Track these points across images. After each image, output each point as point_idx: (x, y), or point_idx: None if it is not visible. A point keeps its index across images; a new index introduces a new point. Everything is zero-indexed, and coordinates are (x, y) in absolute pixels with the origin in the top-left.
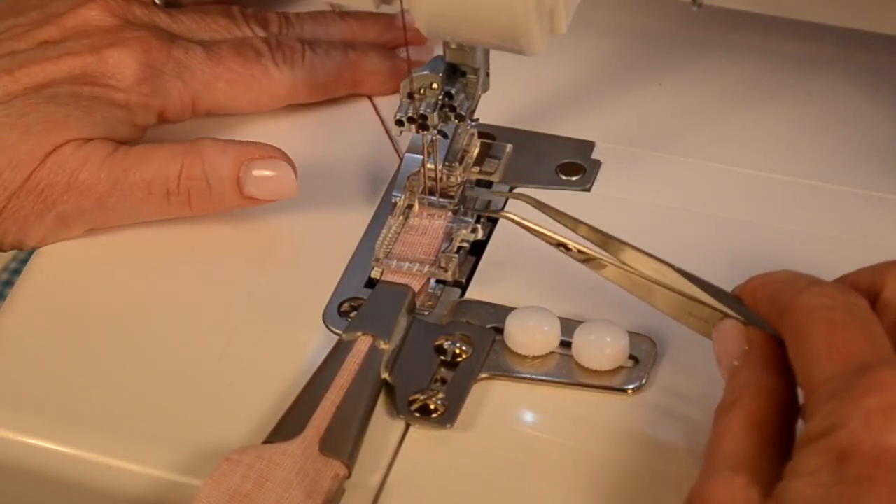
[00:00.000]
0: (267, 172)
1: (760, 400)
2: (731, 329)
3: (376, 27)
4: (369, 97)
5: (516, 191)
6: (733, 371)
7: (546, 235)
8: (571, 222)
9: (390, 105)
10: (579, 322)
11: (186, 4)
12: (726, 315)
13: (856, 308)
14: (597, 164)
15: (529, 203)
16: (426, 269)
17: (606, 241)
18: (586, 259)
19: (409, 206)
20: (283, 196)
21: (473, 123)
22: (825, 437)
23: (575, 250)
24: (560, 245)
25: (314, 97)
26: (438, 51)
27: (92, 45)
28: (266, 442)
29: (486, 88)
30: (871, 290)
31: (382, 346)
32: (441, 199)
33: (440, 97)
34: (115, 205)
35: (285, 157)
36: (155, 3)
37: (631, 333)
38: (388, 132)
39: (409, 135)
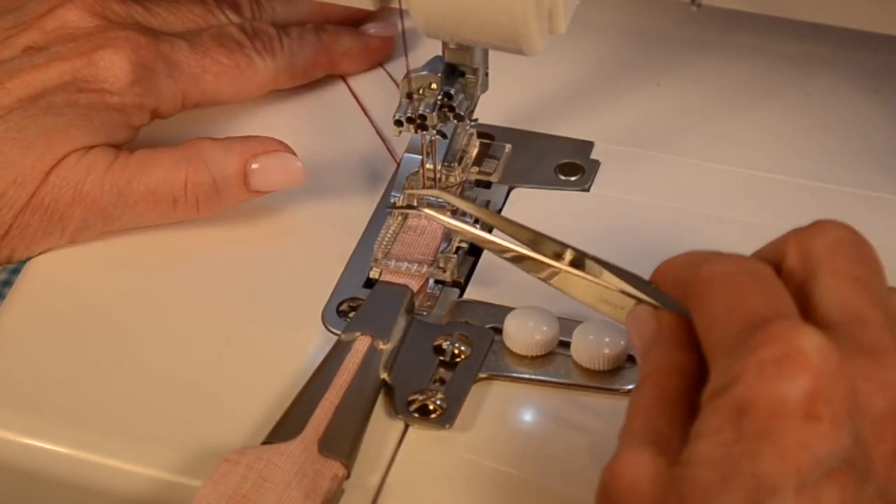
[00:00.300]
0: (272, 166)
1: (669, 376)
2: (642, 313)
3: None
4: (344, 79)
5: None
6: (644, 353)
7: (462, 230)
8: (487, 215)
9: (384, 109)
10: (578, 322)
11: None
12: (640, 301)
13: (757, 271)
14: (596, 165)
15: (443, 200)
16: (425, 269)
17: (518, 231)
18: (502, 252)
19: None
20: (291, 185)
21: (472, 123)
22: (722, 395)
23: (489, 244)
24: (476, 240)
25: (294, 83)
26: (436, 50)
27: (79, 49)
28: (265, 442)
29: (485, 88)
30: (775, 262)
31: (381, 346)
32: (440, 200)
33: (439, 97)
34: (120, 215)
35: (287, 148)
36: None
37: None
38: (380, 135)
39: (407, 135)
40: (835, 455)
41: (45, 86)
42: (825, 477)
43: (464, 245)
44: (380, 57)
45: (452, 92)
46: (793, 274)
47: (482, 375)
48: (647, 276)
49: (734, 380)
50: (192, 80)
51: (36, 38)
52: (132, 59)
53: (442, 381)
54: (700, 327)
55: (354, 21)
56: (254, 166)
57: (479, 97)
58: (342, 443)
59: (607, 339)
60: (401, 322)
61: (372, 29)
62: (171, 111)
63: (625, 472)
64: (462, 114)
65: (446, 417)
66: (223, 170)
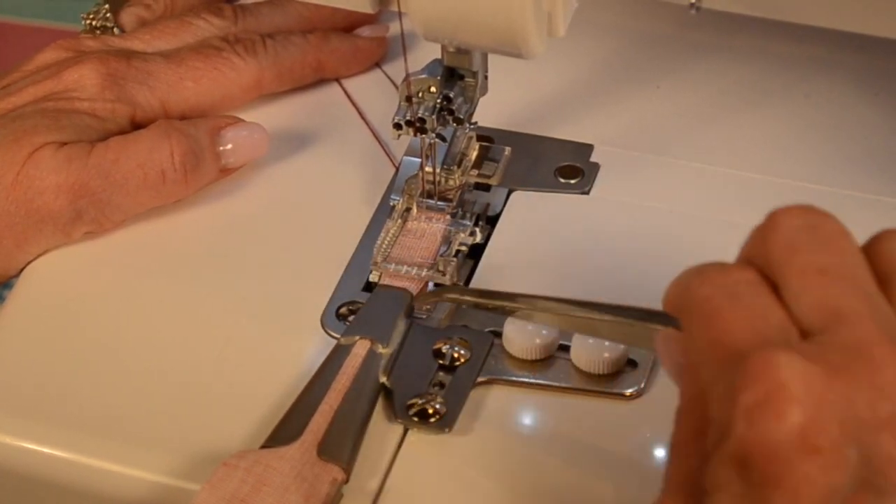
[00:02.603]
0: (239, 137)
1: (699, 406)
2: (668, 338)
3: (329, 8)
4: (339, 82)
5: None
6: (678, 379)
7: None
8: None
9: (383, 112)
10: None
11: None
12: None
13: (738, 286)
14: (596, 167)
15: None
16: (424, 272)
17: (522, 300)
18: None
19: (408, 210)
20: (258, 153)
21: (472, 127)
22: (721, 447)
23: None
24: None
25: (282, 85)
26: (436, 53)
27: (50, 73)
28: (264, 446)
29: (484, 92)
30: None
31: (381, 350)
32: (439, 203)
33: (438, 101)
34: (109, 198)
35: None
36: (107, 28)
37: None
38: (378, 138)
39: (406, 138)
40: (844, 482)
41: (16, 105)
42: None
43: (463, 248)
44: (372, 58)
45: (452, 95)
46: (765, 279)
47: (482, 379)
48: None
49: (727, 431)
50: (170, 88)
51: (15, 77)
52: (101, 70)
53: (441, 385)
54: (692, 363)
55: (351, 28)
56: (223, 138)
57: (478, 100)
58: (341, 447)
59: (607, 343)
60: (400, 326)
61: (366, 31)
62: (152, 119)
63: None
64: (461, 117)
65: (445, 421)
66: (200, 140)
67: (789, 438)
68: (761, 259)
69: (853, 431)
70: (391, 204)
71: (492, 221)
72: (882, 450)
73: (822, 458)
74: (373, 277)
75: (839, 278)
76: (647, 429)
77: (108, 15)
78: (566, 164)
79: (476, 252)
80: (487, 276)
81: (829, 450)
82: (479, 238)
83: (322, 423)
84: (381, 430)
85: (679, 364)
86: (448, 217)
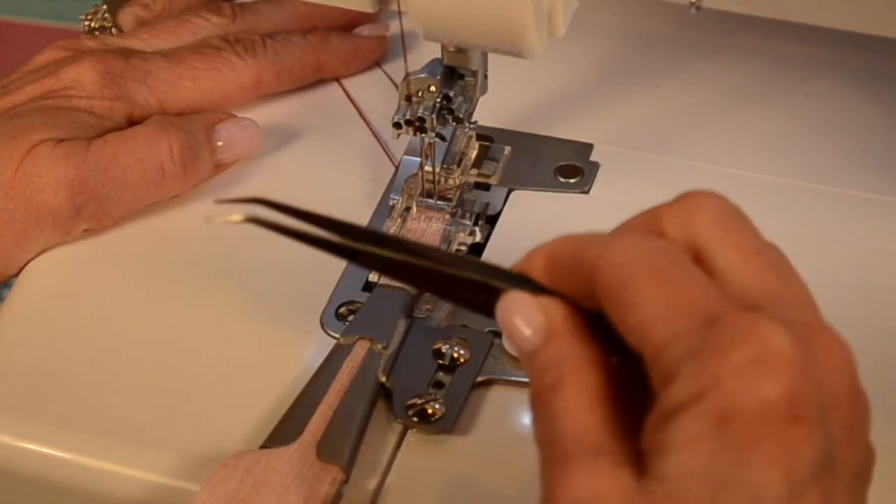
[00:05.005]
0: (234, 132)
1: (588, 373)
2: (517, 301)
3: (328, 7)
4: (338, 81)
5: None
6: (536, 348)
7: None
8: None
9: (383, 111)
10: None
11: None
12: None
13: (672, 252)
14: (595, 167)
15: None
16: None
17: (364, 235)
18: (350, 253)
19: (407, 209)
20: (251, 148)
21: (471, 126)
22: (699, 402)
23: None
24: (316, 243)
25: (281, 85)
26: (436, 53)
27: (49, 72)
28: (263, 446)
29: (484, 91)
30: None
31: (380, 349)
32: (439, 202)
33: (438, 100)
34: (109, 193)
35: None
36: (105, 28)
37: None
38: (377, 138)
39: (405, 137)
40: (818, 457)
41: (14, 104)
42: (811, 482)
43: (463, 248)
44: (371, 58)
45: (451, 94)
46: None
47: (481, 379)
48: None
49: (711, 385)
50: (169, 87)
51: (14, 78)
52: (99, 68)
53: (441, 385)
54: (630, 322)
55: (351, 27)
56: (218, 133)
57: (478, 99)
58: (341, 447)
59: None
60: (400, 325)
61: (365, 31)
62: (150, 117)
63: (583, 491)
64: (461, 116)
65: (445, 421)
66: (196, 134)
67: (778, 402)
68: (677, 232)
69: (823, 408)
70: (391, 203)
71: (491, 221)
72: (834, 431)
73: (804, 429)
74: (372, 277)
75: (772, 264)
76: None
77: (106, 16)
78: (566, 163)
79: (476, 252)
80: None
81: (809, 421)
82: (478, 237)
83: (321, 424)
84: (381, 430)
85: (525, 326)
86: (448, 216)
